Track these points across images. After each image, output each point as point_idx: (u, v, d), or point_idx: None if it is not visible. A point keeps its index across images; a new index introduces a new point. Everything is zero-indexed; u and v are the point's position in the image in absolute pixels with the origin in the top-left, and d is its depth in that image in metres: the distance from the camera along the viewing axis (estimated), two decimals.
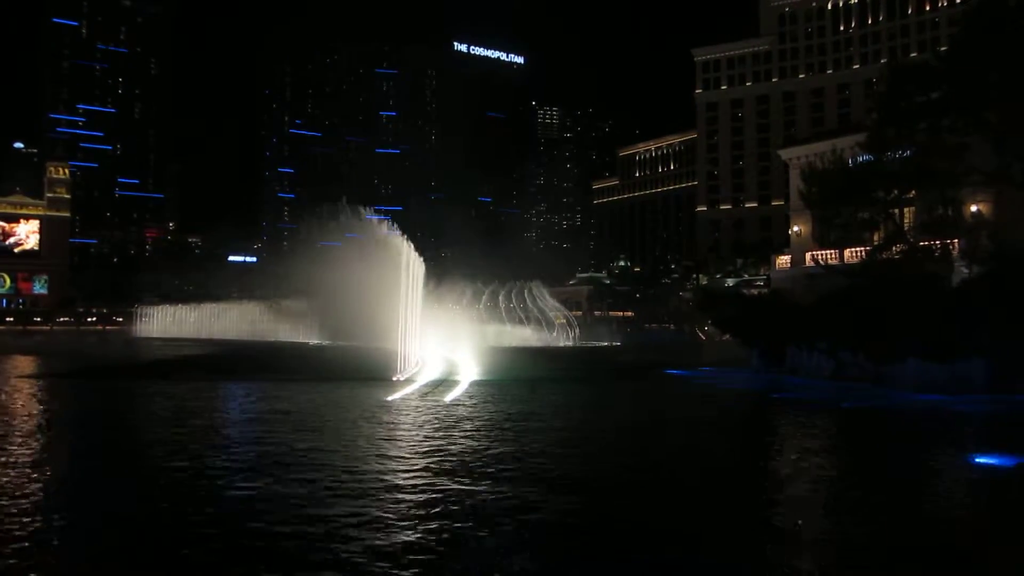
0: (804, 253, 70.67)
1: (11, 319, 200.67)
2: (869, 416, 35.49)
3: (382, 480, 20.43)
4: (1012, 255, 42.99)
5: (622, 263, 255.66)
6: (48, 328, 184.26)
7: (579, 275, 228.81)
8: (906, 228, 54.13)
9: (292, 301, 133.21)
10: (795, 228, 75.90)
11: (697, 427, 33.21)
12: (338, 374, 53.09)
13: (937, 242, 49.92)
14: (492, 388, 44.93)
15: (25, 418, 33.00)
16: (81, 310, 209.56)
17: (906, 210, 57.00)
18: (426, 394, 41.77)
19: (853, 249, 60.20)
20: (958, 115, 47.05)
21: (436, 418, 32.32)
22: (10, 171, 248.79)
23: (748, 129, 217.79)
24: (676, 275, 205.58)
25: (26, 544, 14.75)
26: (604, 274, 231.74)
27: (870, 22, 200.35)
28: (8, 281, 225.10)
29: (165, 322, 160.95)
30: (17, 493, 18.69)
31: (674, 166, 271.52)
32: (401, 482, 20.32)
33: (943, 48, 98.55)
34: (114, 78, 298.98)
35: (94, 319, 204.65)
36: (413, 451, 24.91)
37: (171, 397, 40.85)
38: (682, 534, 16.24)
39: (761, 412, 38.60)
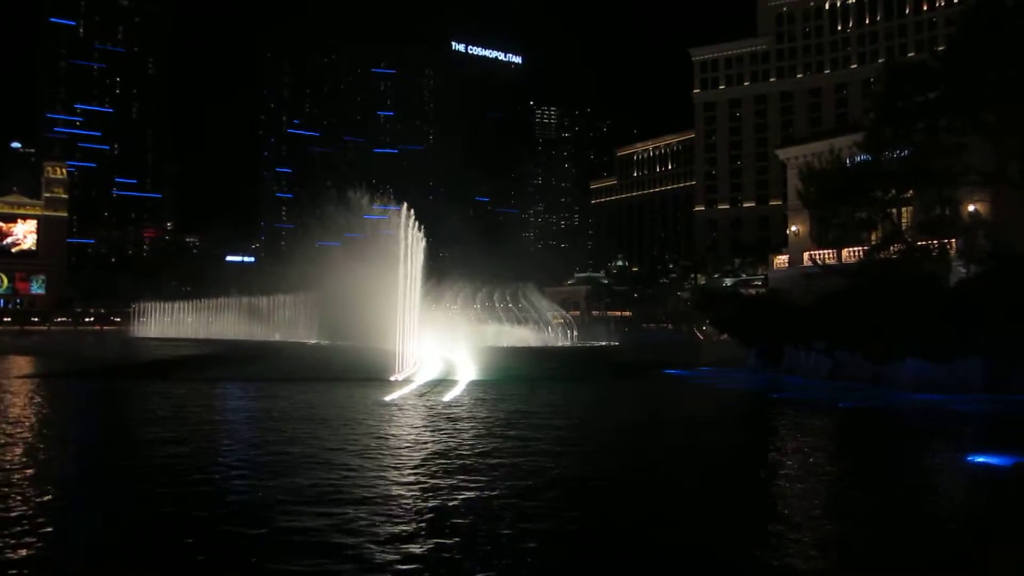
0: (802, 253, 70.73)
1: (8, 319, 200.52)
2: (867, 416, 35.52)
3: (379, 481, 20.43)
4: (1009, 255, 43.05)
5: (620, 263, 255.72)
6: (46, 328, 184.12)
7: (577, 275, 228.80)
8: (904, 228, 54.16)
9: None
10: (793, 228, 75.97)
11: (696, 427, 33.23)
12: (336, 374, 53.05)
13: (935, 242, 49.96)
14: (490, 388, 44.94)
15: (22, 420, 32.96)
16: (79, 310, 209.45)
17: (904, 210, 57.03)
18: (424, 394, 41.76)
19: (851, 249, 60.27)
20: (956, 115, 47.10)
21: (434, 418, 32.31)
22: (7, 171, 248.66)
23: (746, 129, 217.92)
24: (674, 275, 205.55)
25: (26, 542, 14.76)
26: (602, 274, 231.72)
27: (868, 22, 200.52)
28: (5, 281, 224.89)
29: (163, 322, 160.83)
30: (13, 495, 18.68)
31: (672, 166, 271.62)
32: (398, 483, 20.32)
33: (941, 48, 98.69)
34: (112, 78, 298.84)
35: (91, 319, 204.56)
36: (410, 451, 24.90)
37: (168, 398, 40.79)
38: (681, 535, 16.25)
39: (760, 412, 38.61)
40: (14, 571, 13.27)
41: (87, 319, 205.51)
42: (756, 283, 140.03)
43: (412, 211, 55.82)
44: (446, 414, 33.49)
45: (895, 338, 43.44)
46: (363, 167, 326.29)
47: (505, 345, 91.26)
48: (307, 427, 29.84)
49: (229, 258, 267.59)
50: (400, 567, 13.56)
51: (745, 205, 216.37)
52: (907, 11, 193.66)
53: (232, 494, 19.00)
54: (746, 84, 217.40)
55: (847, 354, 48.20)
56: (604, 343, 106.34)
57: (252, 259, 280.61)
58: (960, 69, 47.86)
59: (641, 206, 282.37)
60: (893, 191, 51.90)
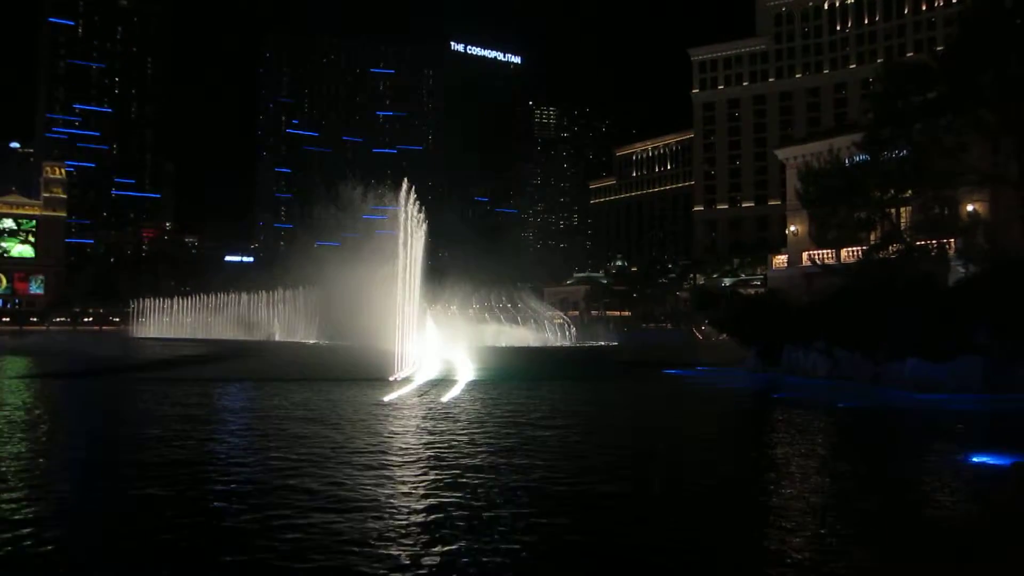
0: (801, 253, 70.79)
1: (7, 319, 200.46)
2: (866, 416, 35.54)
3: (377, 481, 20.41)
4: (1008, 254, 43.08)
5: (619, 263, 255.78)
6: (44, 328, 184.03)
7: (576, 275, 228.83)
8: (903, 228, 54.20)
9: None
10: (792, 228, 76.02)
11: (696, 426, 33.24)
12: (335, 374, 53.03)
13: (933, 242, 50.01)
14: (489, 388, 44.92)
15: (21, 421, 32.94)
16: (77, 310, 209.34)
17: (903, 210, 57.07)
18: (423, 394, 41.76)
19: (850, 249, 60.29)
20: (954, 115, 47.16)
21: (433, 418, 32.30)
22: (6, 171, 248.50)
23: (745, 129, 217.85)
24: (673, 275, 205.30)
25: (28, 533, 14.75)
26: (601, 274, 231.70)
27: (866, 22, 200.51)
28: (4, 281, 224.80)
29: (161, 322, 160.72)
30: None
31: (671, 166, 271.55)
32: (396, 483, 20.31)
33: (940, 48, 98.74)
34: (110, 78, 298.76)
35: (90, 319, 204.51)
36: (409, 452, 24.89)
37: (168, 398, 40.77)
38: (681, 536, 16.25)
39: (760, 412, 38.63)
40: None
41: (86, 319, 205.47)
42: (755, 283, 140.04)
43: (413, 188, 55.53)
44: (445, 414, 33.49)
45: (894, 338, 43.44)
46: (362, 167, 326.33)
47: (504, 345, 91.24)
48: (306, 427, 29.82)
49: (228, 258, 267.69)
50: (399, 570, 13.57)
51: (744, 205, 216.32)
52: (906, 11, 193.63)
53: (227, 499, 18.98)
54: (745, 84, 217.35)
55: (846, 354, 48.20)
56: (603, 343, 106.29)
57: (251, 259, 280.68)
58: (959, 69, 47.90)
59: (640, 206, 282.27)
60: (892, 191, 51.95)
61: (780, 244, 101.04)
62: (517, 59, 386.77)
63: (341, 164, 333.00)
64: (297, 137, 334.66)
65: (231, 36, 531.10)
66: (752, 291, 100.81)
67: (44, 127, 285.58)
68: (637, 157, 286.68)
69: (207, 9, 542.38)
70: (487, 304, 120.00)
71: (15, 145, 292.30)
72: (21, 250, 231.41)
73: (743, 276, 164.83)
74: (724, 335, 70.57)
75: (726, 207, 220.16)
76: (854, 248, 59.00)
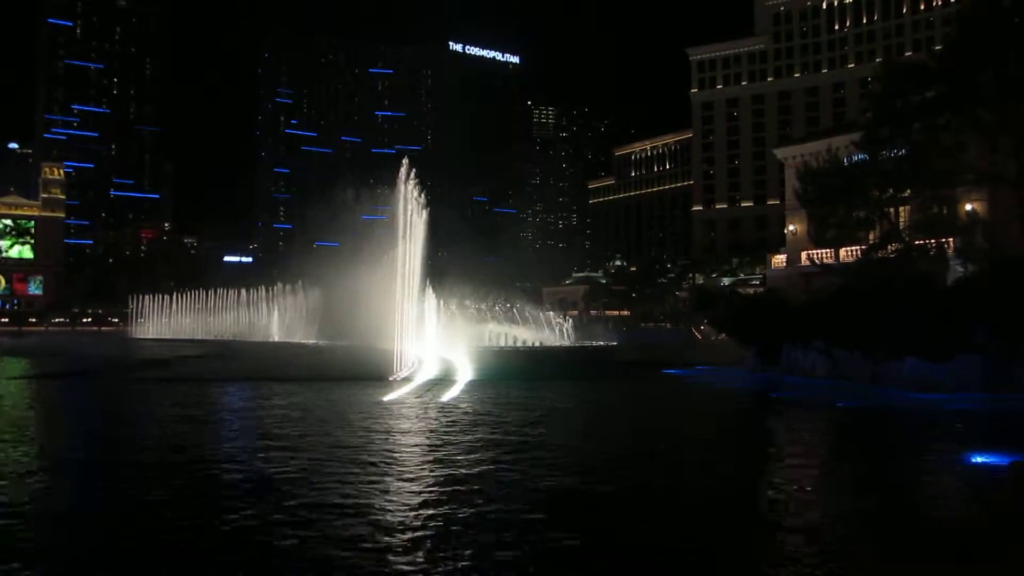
0: (800, 252, 70.85)
1: (6, 320, 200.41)
2: (866, 415, 35.54)
3: (376, 481, 20.41)
4: (1007, 254, 43.10)
5: (618, 262, 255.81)
6: (43, 329, 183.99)
7: (575, 275, 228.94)
8: (901, 227, 54.22)
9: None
10: (791, 227, 76.07)
11: (696, 426, 33.25)
12: (334, 374, 53.01)
13: (932, 241, 50.01)
14: (489, 388, 44.92)
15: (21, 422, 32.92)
16: (76, 311, 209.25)
17: (901, 209, 57.10)
18: (422, 394, 41.76)
19: (849, 248, 60.33)
20: (953, 114, 47.18)
21: (432, 418, 32.30)
22: (5, 172, 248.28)
23: (743, 128, 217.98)
24: (672, 275, 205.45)
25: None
26: (600, 273, 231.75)
27: (865, 21, 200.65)
28: (3, 282, 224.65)
29: (160, 323, 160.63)
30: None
31: (670, 166, 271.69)
32: (395, 484, 20.31)
33: (938, 47, 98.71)
34: (109, 78, 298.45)
35: (89, 320, 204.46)
36: (408, 452, 24.89)
37: (168, 398, 40.76)
38: (681, 535, 16.25)
39: (759, 412, 38.66)
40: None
41: (85, 320, 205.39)
42: (754, 282, 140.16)
43: (413, 170, 55.32)
44: (444, 414, 33.49)
45: (894, 337, 43.45)
46: (361, 167, 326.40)
47: (504, 345, 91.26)
48: (302, 427, 29.82)
49: (227, 258, 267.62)
50: (398, 569, 13.57)
51: (743, 204, 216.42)
52: (904, 10, 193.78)
53: (227, 500, 18.98)
54: (743, 84, 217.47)
55: (845, 353, 48.21)
56: (602, 343, 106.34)
57: (250, 259, 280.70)
58: (957, 68, 47.93)
59: (639, 206, 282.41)
60: (890, 190, 51.97)
61: (779, 244, 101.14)
62: (516, 59, 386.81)
63: (340, 164, 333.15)
64: (296, 137, 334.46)
65: (230, 36, 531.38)
66: (751, 291, 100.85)
67: (43, 127, 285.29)
68: (636, 157, 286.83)
69: (206, 9, 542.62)
70: (487, 304, 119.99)
71: (14, 146, 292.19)
72: (20, 251, 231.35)
73: (742, 276, 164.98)
74: (723, 335, 70.60)
75: (725, 207, 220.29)
76: (853, 248, 59.01)
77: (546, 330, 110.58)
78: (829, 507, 18.74)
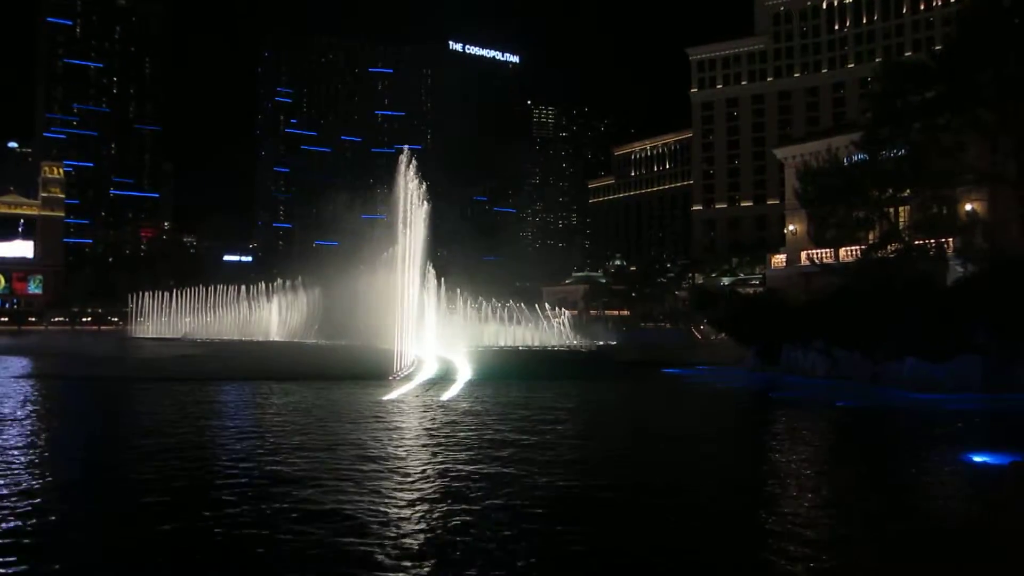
0: (799, 252, 70.80)
1: (6, 319, 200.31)
2: (865, 415, 35.56)
3: (375, 481, 20.42)
4: (1007, 254, 43.09)
5: (618, 262, 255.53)
6: (43, 328, 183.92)
7: (575, 274, 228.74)
8: (901, 227, 54.21)
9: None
10: (791, 227, 76.03)
11: (698, 428, 33.24)
12: (335, 373, 52.99)
13: (932, 241, 49.99)
14: (489, 387, 44.93)
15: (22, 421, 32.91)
16: (76, 310, 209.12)
17: (901, 209, 57.07)
18: (423, 393, 41.79)
19: (848, 248, 60.28)
20: (953, 114, 47.17)
21: (431, 417, 32.31)
22: (4, 171, 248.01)
23: (743, 128, 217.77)
24: (672, 274, 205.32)
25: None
26: (600, 273, 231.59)
27: (865, 21, 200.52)
28: (3, 281, 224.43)
29: (160, 322, 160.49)
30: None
31: (670, 165, 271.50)
32: (394, 482, 20.31)
33: (938, 47, 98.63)
34: (109, 77, 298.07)
35: (89, 319, 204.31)
36: (407, 450, 24.90)
37: (168, 398, 40.74)
38: (681, 535, 16.26)
39: (759, 411, 38.67)
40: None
41: (84, 319, 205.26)
42: (754, 282, 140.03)
43: (414, 160, 55.11)
44: (443, 413, 33.50)
45: (893, 337, 43.46)
46: (361, 166, 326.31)
47: (503, 345, 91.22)
48: (302, 426, 29.82)
49: (226, 257, 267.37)
50: (397, 568, 13.58)
51: (743, 204, 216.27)
52: (904, 10, 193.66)
53: (228, 497, 18.99)
54: (743, 83, 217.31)
55: (845, 353, 48.23)
56: (602, 342, 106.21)
57: (249, 258, 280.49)
58: (957, 68, 47.92)
59: (639, 205, 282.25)
60: (890, 190, 51.96)
61: (779, 243, 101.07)
62: (516, 58, 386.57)
63: (340, 164, 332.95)
64: (296, 136, 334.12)
65: (230, 35, 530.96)
66: (751, 290, 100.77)
67: (42, 127, 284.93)
68: (636, 156, 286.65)
69: (206, 8, 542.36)
70: (486, 303, 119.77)
71: (13, 145, 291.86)
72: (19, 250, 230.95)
73: (742, 275, 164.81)
74: (723, 335, 70.60)
75: (725, 206, 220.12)
76: (853, 247, 58.98)
77: (546, 330, 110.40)
78: (829, 507, 18.75)
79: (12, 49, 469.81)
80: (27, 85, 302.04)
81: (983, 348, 40.52)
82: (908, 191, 52.76)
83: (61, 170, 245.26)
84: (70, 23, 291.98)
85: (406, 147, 54.84)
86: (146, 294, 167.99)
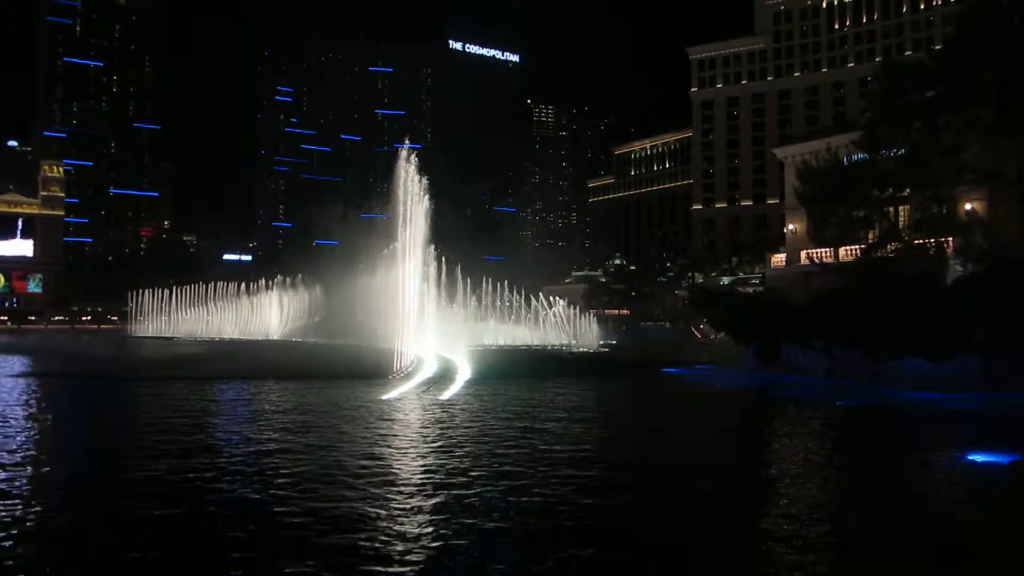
0: (799, 251, 70.68)
1: (5, 318, 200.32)
2: (865, 414, 35.58)
3: (375, 480, 20.41)
4: (1007, 253, 43.06)
5: (617, 261, 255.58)
6: (43, 327, 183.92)
7: (575, 273, 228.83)
8: (901, 226, 54.16)
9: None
10: (790, 226, 75.95)
11: (695, 425, 33.25)
12: (335, 372, 52.99)
13: (932, 240, 49.95)
14: (488, 386, 44.92)
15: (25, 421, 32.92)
16: (75, 309, 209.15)
17: (901, 208, 56.98)
18: (422, 392, 41.79)
19: (848, 247, 60.21)
20: (952, 113, 47.13)
21: (431, 416, 32.31)
22: (4, 169, 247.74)
23: (743, 127, 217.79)
24: (671, 273, 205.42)
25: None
26: (600, 272, 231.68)
27: (865, 21, 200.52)
28: (2, 280, 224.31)
29: (160, 321, 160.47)
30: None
31: (669, 164, 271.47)
32: (393, 481, 20.30)
33: (938, 47, 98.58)
34: (109, 76, 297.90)
35: (88, 318, 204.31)
36: (406, 449, 24.89)
37: (169, 397, 40.73)
38: (681, 535, 16.26)
39: (759, 411, 38.68)
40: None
41: (84, 318, 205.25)
42: (753, 282, 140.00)
43: (414, 156, 54.97)
44: (443, 412, 33.49)
45: (893, 336, 43.45)
46: (360, 166, 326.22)
47: (503, 344, 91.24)
48: (302, 425, 29.82)
49: (226, 256, 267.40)
50: (399, 566, 13.59)
51: (742, 204, 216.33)
52: (904, 10, 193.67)
53: (228, 495, 18.99)
54: (743, 83, 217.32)
55: (845, 352, 48.22)
56: (601, 342, 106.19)
57: (249, 257, 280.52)
58: (957, 68, 47.88)
59: (639, 205, 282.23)
60: (890, 189, 51.91)
61: (779, 243, 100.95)
62: (516, 57, 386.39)
63: (340, 163, 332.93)
64: (296, 136, 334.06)
65: (230, 34, 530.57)
66: (751, 290, 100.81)
67: (42, 125, 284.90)
68: (635, 156, 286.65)
69: (206, 8, 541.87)
70: (486, 303, 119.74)
71: (13, 143, 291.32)
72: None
73: (741, 275, 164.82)
74: (722, 334, 70.61)
75: (724, 206, 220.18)
76: (853, 247, 58.93)
77: (546, 329, 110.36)
78: (829, 506, 18.75)
79: (12, 48, 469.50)
80: (27, 83, 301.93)
81: (983, 347, 40.53)
82: (908, 191, 52.69)
83: (61, 169, 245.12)
84: (70, 22, 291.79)
85: (406, 143, 54.73)
86: (146, 293, 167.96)
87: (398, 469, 21.85)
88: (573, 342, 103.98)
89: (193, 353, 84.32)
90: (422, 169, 59.75)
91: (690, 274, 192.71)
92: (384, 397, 39.05)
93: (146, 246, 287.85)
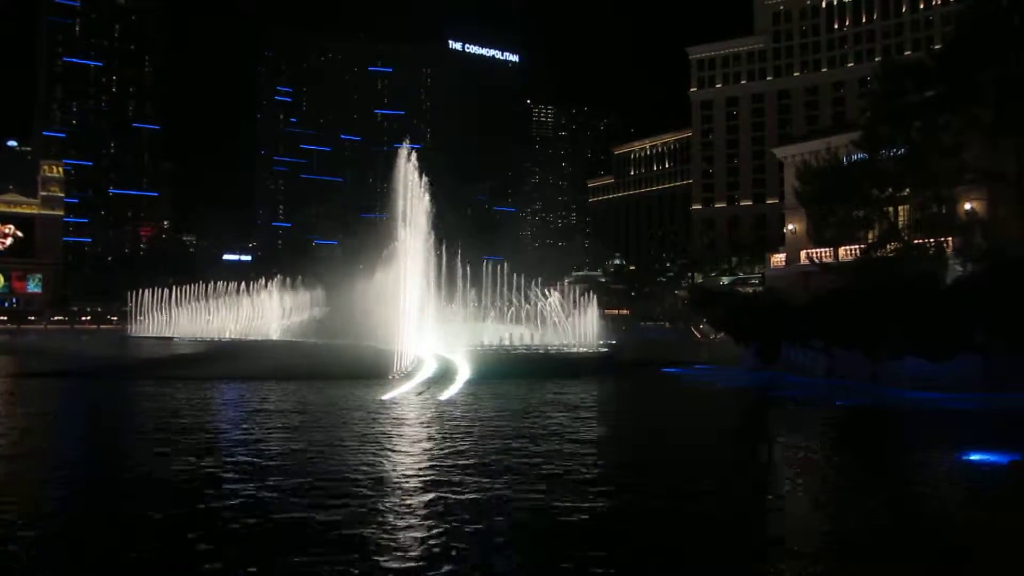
0: (799, 251, 70.67)
1: (5, 318, 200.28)
2: (865, 414, 35.58)
3: (374, 480, 20.42)
4: (1006, 253, 43.07)
5: (617, 261, 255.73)
6: (43, 327, 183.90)
7: (575, 273, 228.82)
8: (901, 226, 54.15)
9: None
10: (790, 226, 75.94)
11: (695, 424, 33.24)
12: (334, 372, 52.97)
13: (931, 240, 49.95)
14: (488, 386, 44.91)
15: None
16: (75, 309, 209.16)
17: (900, 208, 56.96)
18: (422, 392, 41.77)
19: (848, 247, 60.21)
20: (952, 113, 47.12)
21: (430, 416, 32.31)
22: (3, 169, 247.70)
23: (743, 127, 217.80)
24: (671, 273, 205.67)
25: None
26: (599, 272, 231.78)
27: (864, 20, 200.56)
28: (2, 280, 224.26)
29: (159, 320, 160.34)
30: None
31: (669, 164, 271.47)
32: (392, 481, 20.30)
33: (937, 46, 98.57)
34: (108, 76, 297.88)
35: (88, 318, 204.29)
36: (405, 449, 24.89)
37: (169, 397, 40.73)
38: (682, 534, 16.26)
39: (759, 411, 38.68)
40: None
41: (84, 318, 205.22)
42: (753, 281, 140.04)
43: (414, 156, 54.94)
44: (442, 412, 33.49)
45: (893, 336, 43.45)
46: (360, 166, 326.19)
47: (503, 344, 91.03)
48: (302, 425, 29.82)
49: (226, 256, 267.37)
50: (399, 563, 13.59)
51: (742, 204, 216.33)
52: (904, 9, 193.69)
53: (229, 493, 18.99)
54: (743, 82, 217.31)
55: (845, 352, 48.22)
56: (601, 342, 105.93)
57: (249, 257, 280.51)
58: (957, 68, 47.88)
59: (638, 205, 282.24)
60: (890, 189, 51.90)
61: (778, 243, 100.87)
62: (515, 57, 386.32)
63: (339, 163, 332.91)
64: (295, 135, 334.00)
65: (230, 34, 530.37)
66: (750, 290, 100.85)
67: (42, 125, 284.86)
68: (635, 156, 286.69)
69: (206, 7, 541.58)
70: (485, 302, 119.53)
71: (12, 143, 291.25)
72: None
73: (741, 275, 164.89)
74: (722, 334, 70.60)
75: (724, 206, 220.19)
76: (852, 247, 58.91)
77: (546, 328, 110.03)
78: (829, 506, 18.75)
79: (12, 48, 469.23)
80: (27, 83, 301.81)
81: (983, 347, 40.53)
82: (908, 191, 52.67)
83: (60, 169, 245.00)
84: (70, 22, 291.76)
85: (406, 143, 54.73)
86: (145, 293, 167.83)
87: (398, 469, 21.85)
88: (573, 342, 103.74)
89: (193, 353, 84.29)
90: (422, 169, 59.73)
91: (690, 274, 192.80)
92: (384, 397, 39.05)
93: (146, 246, 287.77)
